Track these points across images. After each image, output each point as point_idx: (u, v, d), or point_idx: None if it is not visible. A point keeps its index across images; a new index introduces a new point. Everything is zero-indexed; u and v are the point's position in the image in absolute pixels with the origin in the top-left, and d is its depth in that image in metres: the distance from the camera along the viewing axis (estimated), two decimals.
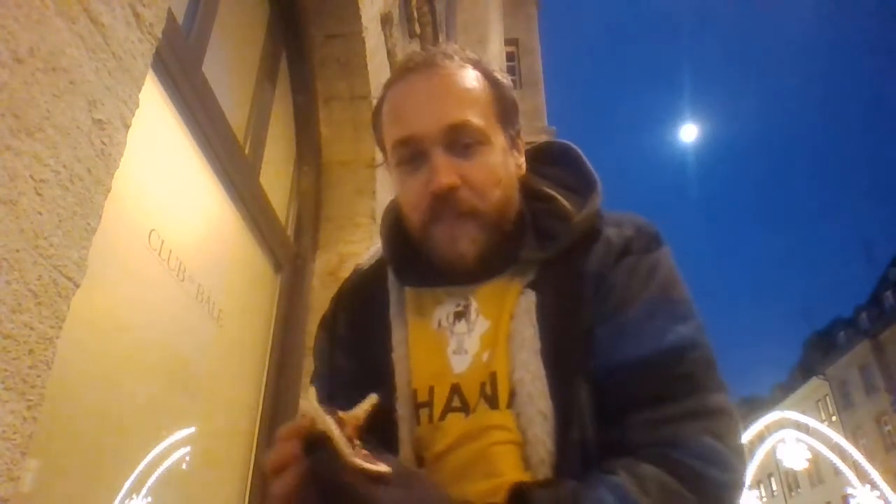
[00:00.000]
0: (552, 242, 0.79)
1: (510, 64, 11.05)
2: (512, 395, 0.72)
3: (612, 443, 0.68)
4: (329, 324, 0.93)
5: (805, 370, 38.24)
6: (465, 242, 0.77)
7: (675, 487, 0.63)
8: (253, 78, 2.59)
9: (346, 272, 3.25)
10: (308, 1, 3.04)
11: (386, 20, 3.57)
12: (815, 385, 35.30)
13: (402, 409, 0.77)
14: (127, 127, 1.03)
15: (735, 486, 0.67)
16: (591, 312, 0.74)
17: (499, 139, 0.81)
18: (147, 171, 1.68)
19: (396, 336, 0.82)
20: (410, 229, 0.82)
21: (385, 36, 3.62)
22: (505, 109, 0.84)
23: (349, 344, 0.87)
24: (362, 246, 3.06)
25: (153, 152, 1.72)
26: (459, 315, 0.81)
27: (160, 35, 1.13)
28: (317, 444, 0.58)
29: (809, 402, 35.07)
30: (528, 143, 0.91)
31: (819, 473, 31.39)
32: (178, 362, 1.90)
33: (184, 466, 1.88)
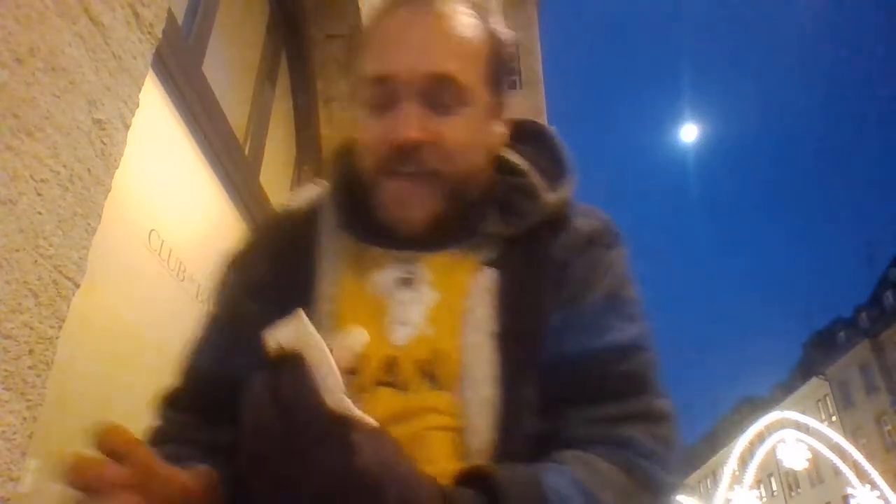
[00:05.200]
0: (518, 220, 0.73)
1: (510, 64, 11.07)
2: (457, 377, 0.66)
3: (552, 435, 0.64)
4: (239, 262, 0.80)
5: (805, 370, 38.23)
6: (414, 207, 0.70)
7: (629, 485, 0.61)
8: (253, 78, 2.59)
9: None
10: (308, 1, 3.04)
11: None
12: (815, 385, 35.29)
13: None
14: (127, 127, 1.03)
15: (675, 491, 0.67)
16: (549, 301, 0.70)
17: (483, 102, 0.73)
18: (147, 171, 1.68)
19: (325, 290, 0.72)
20: (362, 175, 0.74)
21: None
22: (497, 70, 0.75)
23: (263, 287, 0.75)
24: None
25: (153, 152, 1.72)
26: (405, 282, 0.72)
27: (160, 35, 1.13)
28: (288, 369, 0.48)
29: (809, 402, 35.06)
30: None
31: (819, 473, 31.38)
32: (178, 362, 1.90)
33: None
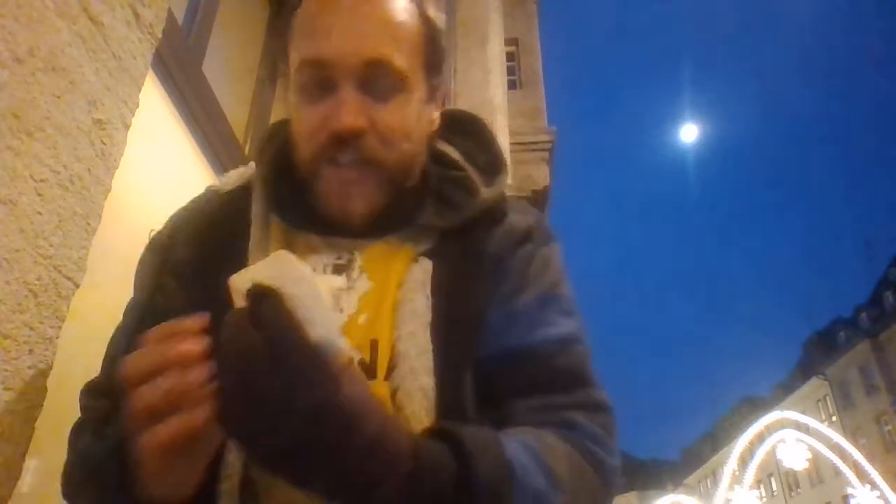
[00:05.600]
0: (454, 213, 0.73)
1: (510, 64, 11.05)
2: (392, 367, 0.65)
3: (495, 424, 0.62)
4: (163, 245, 0.79)
5: (805, 370, 38.23)
6: (356, 198, 0.69)
7: (581, 462, 0.62)
8: (253, 78, 2.59)
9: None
10: None
11: None
12: (815, 385, 35.29)
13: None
14: (127, 127, 1.03)
15: (617, 480, 0.67)
16: (485, 293, 0.69)
17: (419, 87, 0.72)
18: (147, 171, 1.68)
19: None
20: (298, 162, 0.72)
21: None
22: (433, 54, 0.75)
23: (187, 271, 0.73)
24: None
25: (153, 152, 1.72)
26: (339, 269, 0.70)
27: (160, 35, 1.13)
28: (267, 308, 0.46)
29: (809, 402, 35.06)
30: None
31: (819, 473, 31.38)
32: None
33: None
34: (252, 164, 0.83)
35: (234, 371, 0.46)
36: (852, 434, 29.21)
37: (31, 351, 0.81)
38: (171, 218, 0.85)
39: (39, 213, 0.82)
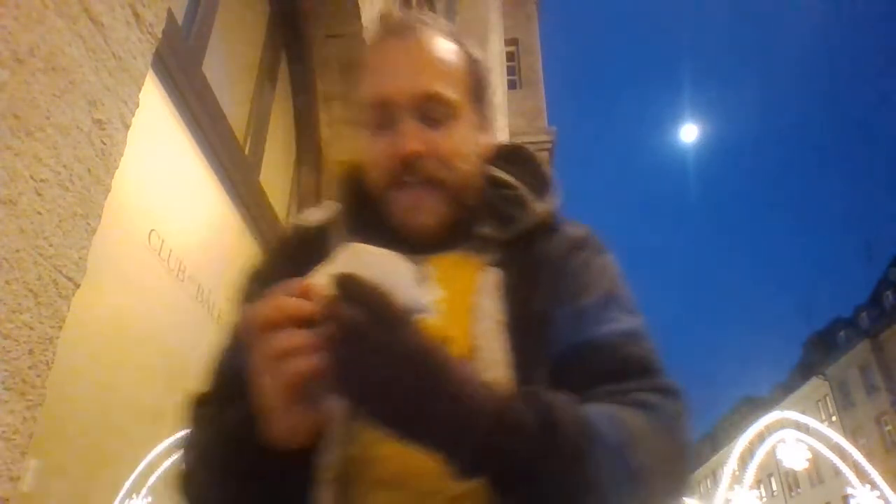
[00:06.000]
0: (511, 225, 0.81)
1: (510, 64, 11.05)
2: (469, 361, 0.69)
3: None
4: (263, 275, 0.86)
5: (805, 370, 38.23)
6: (425, 213, 0.78)
7: (656, 429, 0.65)
8: (253, 78, 2.59)
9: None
10: (308, 1, 3.04)
11: None
12: (815, 385, 35.29)
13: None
14: (127, 127, 1.03)
15: (692, 457, 0.71)
16: (550, 296, 0.76)
17: (468, 115, 0.83)
18: (147, 171, 1.68)
19: None
20: (371, 188, 0.82)
21: None
22: (477, 86, 0.85)
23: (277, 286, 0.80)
24: None
25: (153, 152, 1.72)
26: None
27: (160, 35, 1.13)
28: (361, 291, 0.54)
29: (809, 402, 35.06)
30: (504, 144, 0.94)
31: (819, 473, 31.38)
32: (178, 362, 1.90)
33: (184, 466, 1.88)
34: (329, 202, 0.92)
35: (342, 334, 0.53)
36: (852, 434, 29.21)
37: (31, 351, 0.80)
38: (267, 252, 0.96)
39: (39, 213, 0.82)
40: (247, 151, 2.43)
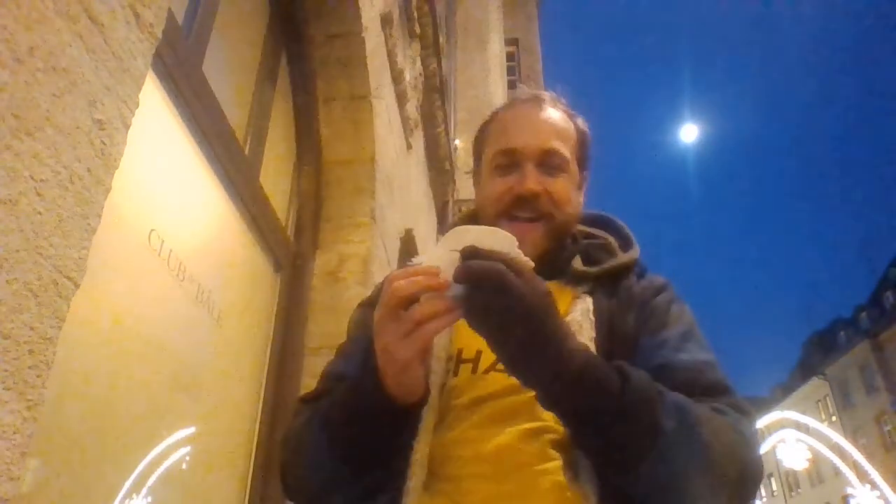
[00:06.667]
0: (599, 265, 0.96)
1: (510, 64, 11.04)
2: None
3: None
4: (370, 300, 1.02)
5: (805, 370, 38.23)
6: (529, 244, 0.88)
7: (724, 420, 0.76)
8: (253, 78, 2.59)
9: (346, 272, 3.21)
10: (308, 1, 3.04)
11: (386, 20, 3.57)
12: (815, 385, 35.30)
13: (436, 365, 0.87)
14: (127, 127, 1.03)
15: (760, 464, 0.80)
16: (635, 324, 0.89)
17: (574, 173, 1.01)
18: (147, 171, 1.68)
19: None
20: (484, 219, 0.99)
21: (385, 36, 3.62)
22: (584, 154, 1.04)
23: None
24: (362, 246, 3.05)
25: (153, 152, 1.72)
26: None
27: (160, 35, 1.13)
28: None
29: (809, 402, 35.06)
30: None
31: (819, 473, 31.38)
32: (178, 362, 1.90)
33: (184, 466, 1.88)
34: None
35: (483, 282, 0.65)
36: (852, 434, 29.20)
37: (31, 351, 0.80)
38: (378, 285, 1.08)
39: (39, 213, 0.82)
40: (247, 151, 2.42)
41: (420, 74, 4.87)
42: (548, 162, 0.97)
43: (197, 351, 2.02)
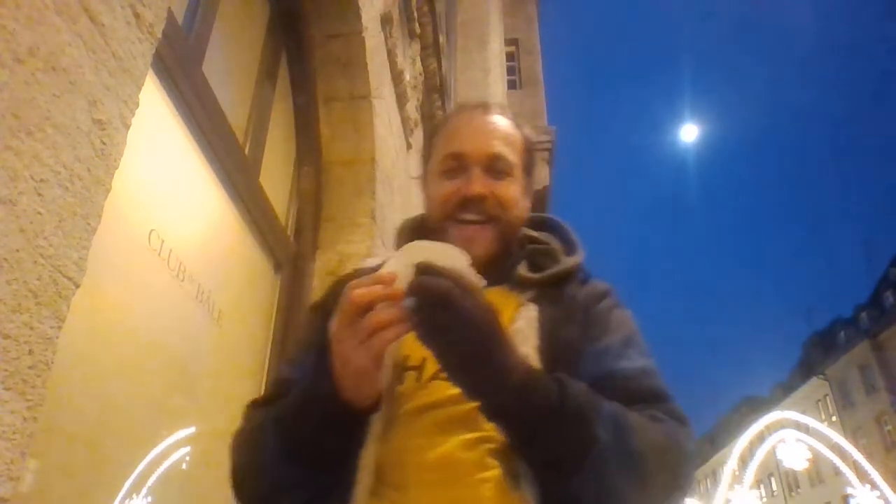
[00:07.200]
0: (545, 271, 0.98)
1: (510, 64, 11.04)
2: None
3: None
4: (326, 304, 1.01)
5: (805, 370, 38.24)
6: (478, 245, 0.94)
7: (658, 428, 0.79)
8: (253, 78, 2.59)
9: (346, 272, 3.21)
10: (308, 1, 3.04)
11: (386, 20, 3.57)
12: (815, 385, 35.30)
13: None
14: (127, 127, 1.03)
15: (693, 467, 0.84)
16: (578, 332, 0.91)
17: (520, 179, 1.04)
18: (147, 171, 1.68)
19: None
20: (432, 224, 1.02)
21: (385, 36, 3.62)
22: (529, 160, 1.07)
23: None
24: (362, 246, 3.05)
25: (153, 152, 1.72)
26: None
27: (160, 35, 1.13)
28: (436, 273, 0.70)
29: (809, 402, 35.06)
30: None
31: (819, 473, 31.38)
32: (178, 362, 1.90)
33: (184, 466, 1.88)
34: (388, 251, 1.11)
35: (433, 300, 0.68)
36: (852, 434, 29.20)
37: (31, 351, 0.80)
38: (330, 286, 1.10)
39: (39, 213, 0.82)
40: (247, 151, 2.42)
41: (420, 74, 4.88)
42: (494, 166, 0.99)
43: (196, 351, 2.02)
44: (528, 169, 1.07)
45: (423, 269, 0.69)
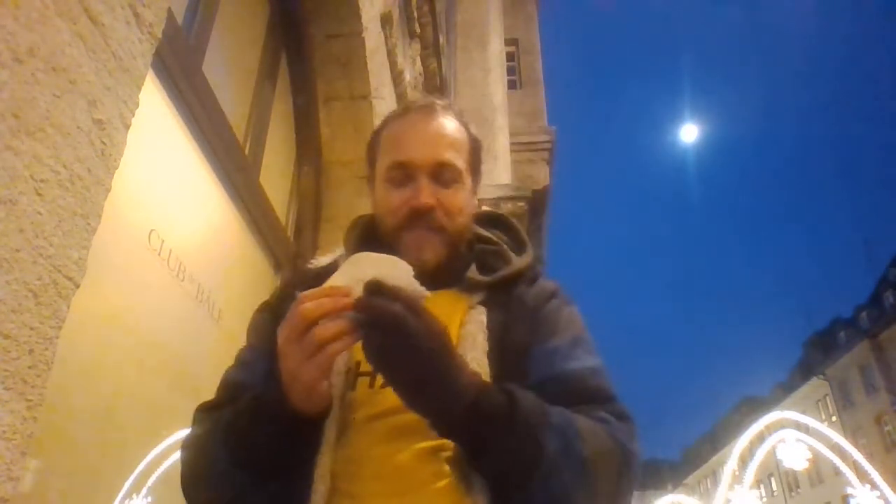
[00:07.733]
0: (495, 273, 0.98)
1: (510, 64, 11.04)
2: None
3: None
4: (273, 306, 1.01)
5: (805, 370, 38.22)
6: (429, 251, 0.95)
7: (604, 432, 0.80)
8: (253, 78, 2.59)
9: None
10: (308, 1, 3.04)
11: (386, 20, 3.57)
12: (815, 385, 35.27)
13: (335, 377, 0.87)
14: (127, 127, 1.03)
15: (638, 466, 0.84)
16: (527, 333, 0.92)
17: (468, 181, 1.02)
18: (147, 171, 1.68)
19: None
20: (382, 232, 1.00)
21: (385, 36, 3.62)
22: (476, 160, 1.06)
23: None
24: None
25: (153, 152, 1.72)
26: None
27: (160, 35, 1.13)
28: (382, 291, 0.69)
29: (809, 402, 35.04)
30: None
31: (819, 473, 31.37)
32: (178, 362, 1.90)
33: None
34: (337, 249, 1.09)
35: (383, 321, 0.68)
36: (852, 434, 29.19)
37: (31, 351, 0.80)
38: (278, 288, 1.07)
39: (39, 213, 0.82)
40: (247, 152, 2.42)
41: (420, 74, 4.87)
42: (441, 175, 0.98)
43: (197, 350, 2.02)
44: (475, 168, 1.06)
45: (374, 290, 0.69)
